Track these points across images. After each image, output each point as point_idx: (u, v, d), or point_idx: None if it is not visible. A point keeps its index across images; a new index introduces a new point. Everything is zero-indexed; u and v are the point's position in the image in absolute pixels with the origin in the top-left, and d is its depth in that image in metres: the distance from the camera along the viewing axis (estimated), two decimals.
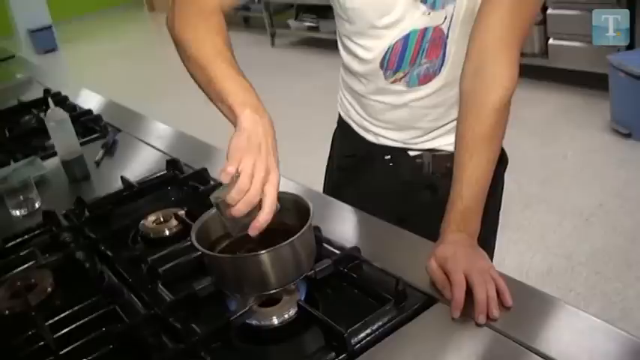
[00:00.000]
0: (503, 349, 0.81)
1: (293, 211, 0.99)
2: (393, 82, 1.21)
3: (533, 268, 2.56)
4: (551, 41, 4.02)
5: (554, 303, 0.88)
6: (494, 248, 1.36)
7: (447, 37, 1.13)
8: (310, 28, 5.94)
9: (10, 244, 1.29)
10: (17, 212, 1.46)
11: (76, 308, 1.02)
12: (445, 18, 1.11)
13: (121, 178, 1.45)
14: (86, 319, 1.00)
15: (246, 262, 0.92)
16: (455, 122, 1.14)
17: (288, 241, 0.89)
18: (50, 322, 0.99)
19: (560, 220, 2.82)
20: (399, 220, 1.21)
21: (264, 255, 0.90)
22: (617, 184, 3.02)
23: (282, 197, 0.94)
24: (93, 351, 0.94)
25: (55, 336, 0.95)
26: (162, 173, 1.48)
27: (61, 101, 2.32)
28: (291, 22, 6.26)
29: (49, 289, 1.12)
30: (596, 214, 2.83)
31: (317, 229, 1.07)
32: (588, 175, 3.15)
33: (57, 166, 1.63)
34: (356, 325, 0.85)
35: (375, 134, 1.32)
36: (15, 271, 1.18)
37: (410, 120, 1.26)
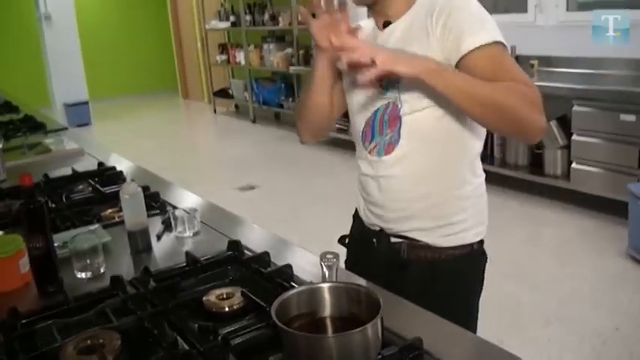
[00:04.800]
0: None
1: (363, 303, 1.08)
2: (370, 152, 1.51)
3: None
4: (573, 165, 4.21)
5: None
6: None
7: (400, 109, 1.42)
8: (340, 130, 6.20)
9: (79, 303, 1.37)
10: (82, 275, 1.55)
11: None
12: (397, 96, 1.42)
13: (186, 253, 1.55)
14: None
15: (319, 342, 0.99)
16: (423, 210, 1.46)
17: (360, 328, 0.98)
18: None
19: (580, 341, 2.85)
20: None
21: (337, 338, 0.99)
22: (634, 310, 3.08)
23: (352, 289, 1.08)
24: None
25: None
26: (225, 253, 1.57)
27: (116, 175, 2.47)
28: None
29: (118, 351, 1.20)
30: (613, 338, 2.87)
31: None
32: (606, 298, 3.21)
33: (117, 235, 1.73)
34: None
35: (366, 213, 1.59)
36: (86, 331, 1.26)
37: (383, 194, 1.51)
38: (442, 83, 1.26)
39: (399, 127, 1.43)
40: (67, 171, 2.56)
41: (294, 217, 4.34)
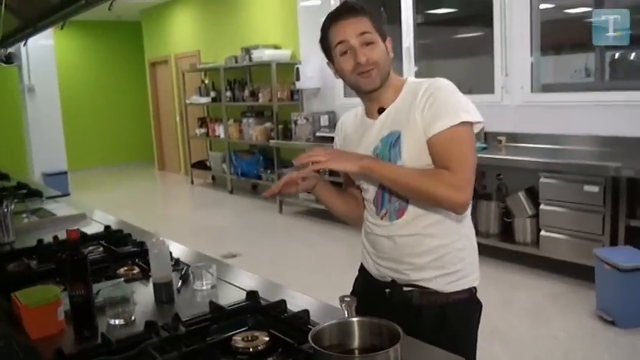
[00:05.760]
0: None
1: (384, 335, 1.27)
2: (382, 217, 1.74)
3: None
4: (542, 233, 4.49)
5: None
6: None
7: None
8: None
9: (120, 345, 1.53)
10: (115, 322, 1.71)
11: None
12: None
13: (210, 302, 1.72)
14: None
15: None
16: (432, 261, 1.69)
17: (385, 350, 1.17)
18: None
19: None
20: None
21: (365, 358, 1.19)
22: None
23: (375, 323, 1.26)
24: None
25: None
26: (244, 302, 1.75)
27: (124, 237, 2.63)
28: (302, 194, 6.78)
29: None
30: None
31: None
32: (577, 357, 3.40)
33: (136, 289, 1.92)
34: None
35: (377, 267, 1.79)
36: None
37: (396, 251, 1.72)
38: (376, 175, 1.63)
39: None
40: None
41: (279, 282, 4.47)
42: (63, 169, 8.62)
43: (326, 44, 1.72)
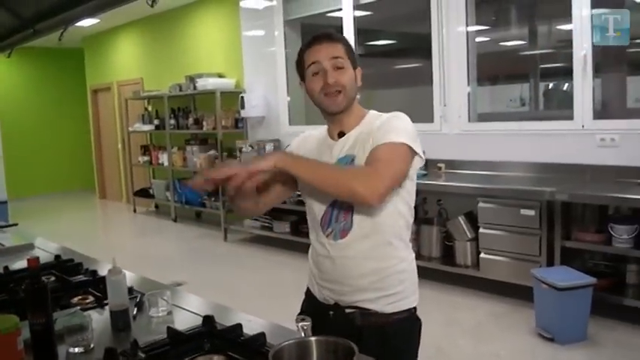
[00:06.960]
0: None
1: (339, 352, 1.35)
2: (327, 235, 1.82)
3: None
4: (482, 255, 4.68)
5: None
6: None
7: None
8: (264, 227, 6.52)
9: None
10: (74, 350, 1.73)
11: None
12: None
13: (168, 328, 1.77)
14: None
15: None
16: (371, 282, 1.78)
17: None
18: None
19: None
20: None
21: None
22: None
23: (331, 342, 1.34)
24: None
25: None
26: (201, 327, 1.80)
27: (75, 266, 2.64)
28: (246, 221, 6.84)
29: None
30: None
31: None
32: None
33: (93, 316, 1.93)
34: None
35: (320, 290, 1.87)
36: None
37: (338, 272, 1.81)
38: (292, 167, 1.65)
39: (352, 216, 1.78)
40: (22, 263, 2.70)
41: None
42: (3, 198, 8.39)
43: (300, 65, 1.83)
